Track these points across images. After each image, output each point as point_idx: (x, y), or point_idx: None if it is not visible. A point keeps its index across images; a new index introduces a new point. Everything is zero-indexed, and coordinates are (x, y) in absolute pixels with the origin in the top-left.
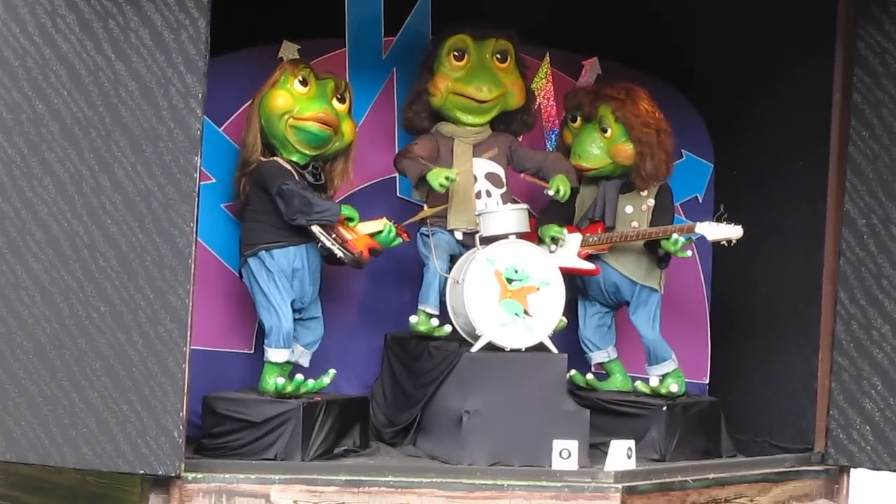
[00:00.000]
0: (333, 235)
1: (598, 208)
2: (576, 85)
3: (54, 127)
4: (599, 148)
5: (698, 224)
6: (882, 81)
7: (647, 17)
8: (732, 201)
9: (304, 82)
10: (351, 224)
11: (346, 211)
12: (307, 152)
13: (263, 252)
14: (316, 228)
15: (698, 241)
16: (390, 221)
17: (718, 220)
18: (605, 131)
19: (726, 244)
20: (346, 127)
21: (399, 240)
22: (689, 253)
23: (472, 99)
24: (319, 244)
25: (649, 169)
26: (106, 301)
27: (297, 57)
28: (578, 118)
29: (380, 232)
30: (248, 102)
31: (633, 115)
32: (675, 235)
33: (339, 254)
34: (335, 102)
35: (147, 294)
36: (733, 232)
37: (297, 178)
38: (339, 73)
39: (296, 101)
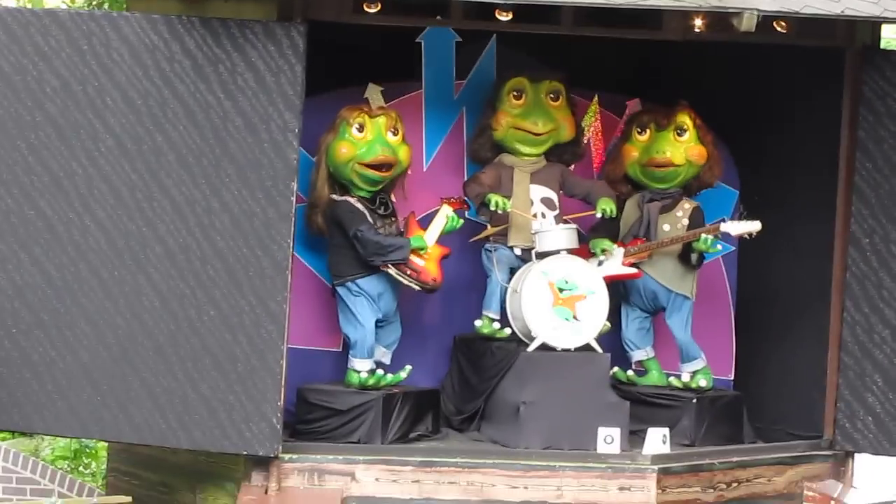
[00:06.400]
0: (408, 271)
1: (644, 226)
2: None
3: (171, 156)
4: (678, 148)
5: (722, 223)
6: (884, 120)
7: (681, 63)
8: (755, 220)
9: (360, 128)
10: (423, 252)
11: (416, 242)
12: (372, 188)
13: (350, 283)
14: (392, 270)
15: (725, 259)
16: (448, 204)
17: (739, 219)
18: (680, 134)
19: (748, 237)
20: (402, 154)
21: (461, 221)
22: (719, 248)
23: (529, 132)
24: None
25: (716, 172)
26: (215, 306)
27: (381, 98)
28: (649, 130)
29: (445, 225)
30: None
31: (704, 126)
32: (703, 235)
33: (416, 287)
34: (389, 136)
35: (250, 300)
36: (753, 226)
37: (369, 218)
38: (415, 112)
39: (356, 148)
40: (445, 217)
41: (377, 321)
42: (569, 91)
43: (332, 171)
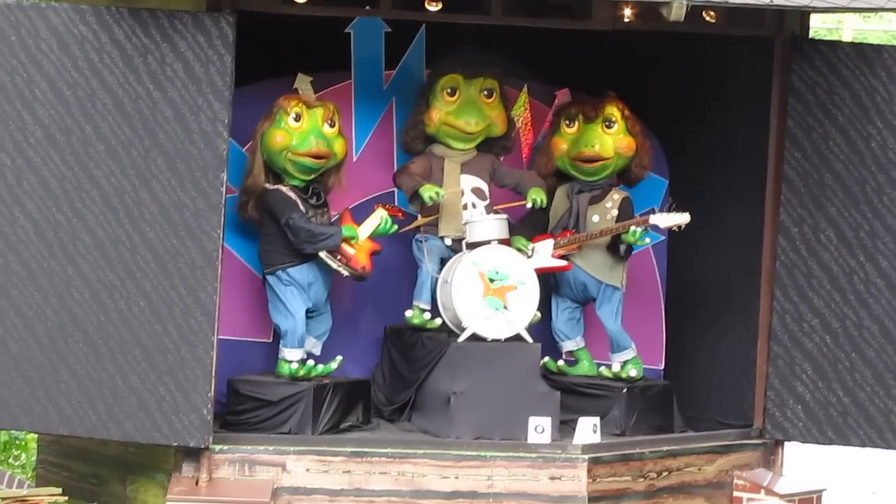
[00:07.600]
0: (338, 256)
1: (573, 218)
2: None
3: (101, 147)
4: (606, 140)
5: (651, 216)
6: (812, 109)
7: (612, 55)
8: (683, 212)
9: (297, 118)
10: (353, 241)
11: (347, 232)
12: (306, 178)
13: (280, 272)
14: (323, 253)
15: (655, 249)
16: (384, 208)
17: (669, 209)
18: (609, 126)
19: (677, 229)
20: (338, 147)
21: (395, 227)
22: (648, 241)
23: (462, 131)
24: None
25: (646, 162)
26: (145, 297)
27: (310, 88)
28: (577, 122)
29: (378, 226)
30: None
31: (632, 117)
32: (632, 227)
33: (345, 273)
34: (326, 127)
35: (180, 291)
36: (682, 218)
37: (301, 206)
38: (344, 102)
39: (291, 137)
40: (380, 218)
41: (308, 311)
42: (503, 87)
43: (266, 159)
